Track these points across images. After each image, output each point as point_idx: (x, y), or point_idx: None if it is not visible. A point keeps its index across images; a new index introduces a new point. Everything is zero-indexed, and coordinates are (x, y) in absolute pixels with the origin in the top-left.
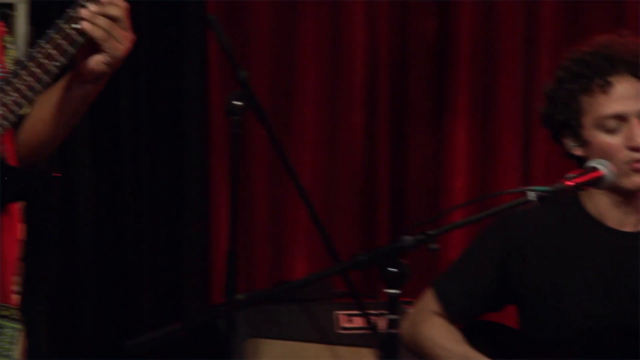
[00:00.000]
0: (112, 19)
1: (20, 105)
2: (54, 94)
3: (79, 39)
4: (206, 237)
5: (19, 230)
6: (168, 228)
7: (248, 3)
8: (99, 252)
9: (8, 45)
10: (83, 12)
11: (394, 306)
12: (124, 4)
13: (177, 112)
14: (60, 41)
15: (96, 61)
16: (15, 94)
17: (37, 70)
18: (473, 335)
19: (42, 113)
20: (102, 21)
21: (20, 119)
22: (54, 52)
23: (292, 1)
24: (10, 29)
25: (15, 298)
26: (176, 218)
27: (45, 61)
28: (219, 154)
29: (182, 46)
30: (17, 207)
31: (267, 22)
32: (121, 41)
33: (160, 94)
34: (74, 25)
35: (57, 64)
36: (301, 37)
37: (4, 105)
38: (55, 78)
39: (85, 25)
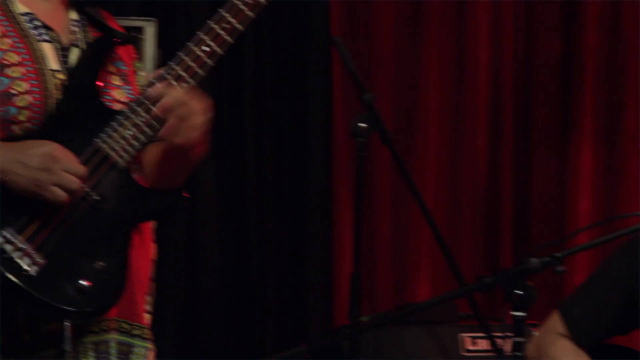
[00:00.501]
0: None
1: (151, 126)
2: (159, 152)
3: (208, 61)
4: (329, 259)
5: (152, 250)
6: (291, 250)
7: (372, 24)
8: (222, 274)
9: (138, 72)
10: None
11: (519, 328)
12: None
13: (301, 134)
14: (190, 63)
15: (176, 143)
16: (147, 115)
17: None
18: (599, 358)
19: (148, 168)
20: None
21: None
22: (184, 74)
23: (415, 22)
24: (138, 52)
25: (147, 317)
26: (299, 240)
27: (176, 83)
28: (342, 175)
29: (306, 68)
30: (149, 227)
31: (390, 43)
32: (192, 133)
33: (285, 116)
34: (203, 48)
35: (187, 86)
36: (425, 58)
37: (136, 125)
38: None
39: (160, 110)
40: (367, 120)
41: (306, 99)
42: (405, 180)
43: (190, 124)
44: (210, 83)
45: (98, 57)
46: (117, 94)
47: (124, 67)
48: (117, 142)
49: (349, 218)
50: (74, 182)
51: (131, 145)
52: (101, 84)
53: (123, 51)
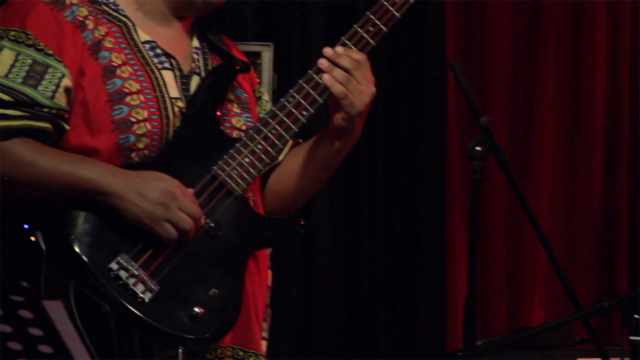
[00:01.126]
0: (347, 71)
1: (268, 154)
2: (307, 147)
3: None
4: (443, 283)
5: (267, 277)
6: (405, 273)
7: (487, 47)
8: (336, 298)
9: (261, 97)
10: (322, 63)
11: (637, 353)
12: (361, 57)
13: (415, 157)
14: (309, 91)
15: (336, 118)
16: (264, 143)
17: (287, 120)
18: None
19: (294, 164)
20: (338, 74)
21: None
22: (303, 101)
23: (532, 44)
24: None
25: (263, 344)
26: (413, 263)
27: (295, 110)
28: (456, 198)
29: (421, 91)
30: (265, 254)
31: (506, 65)
32: (358, 96)
33: (399, 139)
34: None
35: (306, 113)
36: (540, 80)
37: (253, 153)
38: (302, 127)
39: (325, 78)
40: (483, 143)
41: (421, 121)
42: (521, 203)
43: (364, 89)
44: (323, 107)
45: (218, 85)
46: (236, 121)
47: (243, 95)
48: (234, 170)
49: (463, 241)
50: (188, 223)
51: (248, 172)
52: (219, 112)
53: (244, 78)
